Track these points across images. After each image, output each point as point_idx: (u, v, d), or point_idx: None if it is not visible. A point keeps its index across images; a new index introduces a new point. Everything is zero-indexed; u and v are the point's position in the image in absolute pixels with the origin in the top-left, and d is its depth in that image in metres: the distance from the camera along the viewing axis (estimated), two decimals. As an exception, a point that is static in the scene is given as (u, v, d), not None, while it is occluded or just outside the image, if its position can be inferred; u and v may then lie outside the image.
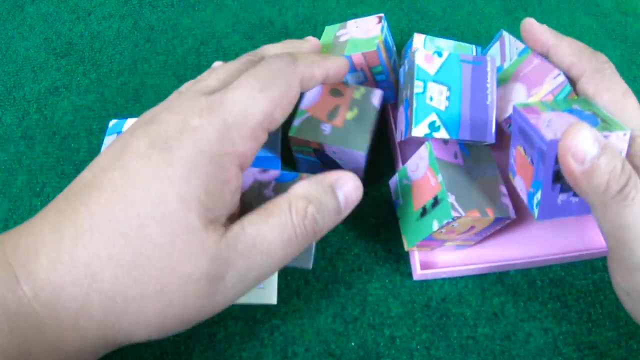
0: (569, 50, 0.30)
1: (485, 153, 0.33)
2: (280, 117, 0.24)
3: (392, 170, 0.40)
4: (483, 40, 0.50)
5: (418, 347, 0.33)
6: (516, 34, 0.53)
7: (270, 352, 0.32)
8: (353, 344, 0.33)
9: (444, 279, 0.35)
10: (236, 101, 0.23)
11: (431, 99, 0.30)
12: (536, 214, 0.27)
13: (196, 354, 0.32)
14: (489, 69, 0.30)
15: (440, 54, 0.31)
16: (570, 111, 0.26)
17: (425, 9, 0.53)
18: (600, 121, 0.25)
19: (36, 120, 0.43)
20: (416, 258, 0.34)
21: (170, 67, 0.47)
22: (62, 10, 0.52)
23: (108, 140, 0.38)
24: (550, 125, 0.25)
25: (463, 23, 0.52)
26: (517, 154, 0.28)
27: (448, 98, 0.30)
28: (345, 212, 0.26)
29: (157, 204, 0.21)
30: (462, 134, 0.30)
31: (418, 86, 0.30)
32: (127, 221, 0.20)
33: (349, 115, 0.34)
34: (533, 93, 0.30)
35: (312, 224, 0.23)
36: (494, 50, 0.38)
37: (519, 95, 0.31)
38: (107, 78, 0.46)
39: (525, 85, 0.31)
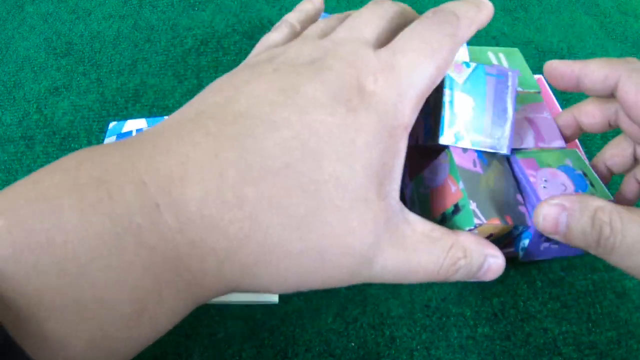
0: (597, 65, 0.29)
1: (502, 162, 0.33)
2: (436, 84, 0.23)
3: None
4: (483, 41, 0.50)
5: (418, 347, 0.33)
6: (516, 34, 0.53)
7: (270, 352, 0.32)
8: (353, 344, 0.33)
9: (444, 279, 0.35)
10: (408, 68, 0.22)
11: (457, 108, 0.31)
12: (520, 255, 0.32)
13: (196, 354, 0.32)
14: (509, 83, 0.31)
15: (468, 65, 0.31)
16: (564, 168, 0.30)
17: (425, 9, 0.53)
18: (589, 185, 0.29)
19: (36, 120, 0.43)
20: None
21: (170, 67, 0.47)
22: (62, 10, 0.52)
23: (108, 142, 0.38)
24: (546, 187, 0.29)
25: (463, 23, 0.52)
26: None
27: (473, 109, 0.31)
28: (471, 279, 0.25)
29: (342, 165, 0.19)
30: (483, 144, 0.31)
31: (447, 95, 0.31)
32: (309, 173, 0.19)
33: None
34: (540, 146, 0.33)
35: (450, 277, 0.23)
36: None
37: (527, 139, 0.33)
38: (107, 78, 0.46)
39: (533, 132, 0.33)
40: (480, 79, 0.31)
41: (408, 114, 0.22)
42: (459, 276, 0.24)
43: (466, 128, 0.31)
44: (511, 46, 0.45)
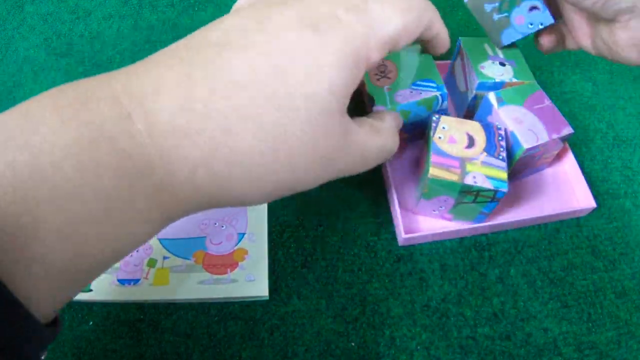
0: None
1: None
2: (401, 45, 0.25)
3: (382, 180, 0.40)
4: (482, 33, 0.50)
5: (418, 347, 0.33)
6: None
7: (270, 352, 0.32)
8: (353, 344, 0.33)
9: (443, 279, 0.35)
10: (380, 11, 0.23)
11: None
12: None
13: (196, 354, 0.32)
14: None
15: None
16: None
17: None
18: None
19: (36, 120, 0.43)
20: (400, 224, 0.36)
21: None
22: (62, 10, 0.52)
23: None
24: None
25: (463, 23, 0.52)
26: None
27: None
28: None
29: (309, 81, 0.21)
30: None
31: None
32: (277, 87, 0.20)
33: None
34: (553, 137, 0.35)
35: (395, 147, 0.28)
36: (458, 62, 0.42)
37: (541, 134, 0.35)
38: (107, 78, 0.46)
39: (543, 124, 0.36)
40: None
41: (374, 50, 0.23)
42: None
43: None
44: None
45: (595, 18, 0.34)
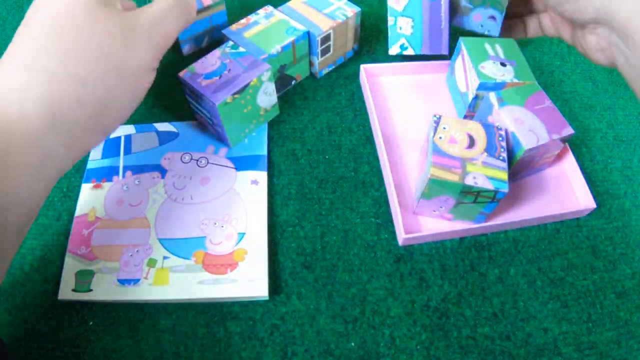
0: None
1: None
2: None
3: (382, 181, 0.40)
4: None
5: (418, 347, 0.33)
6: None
7: (270, 352, 0.32)
8: (353, 344, 0.33)
9: (443, 279, 0.35)
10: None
11: (400, 28, 0.44)
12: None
13: (196, 354, 0.32)
14: (442, 2, 0.42)
15: None
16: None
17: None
18: None
19: (36, 120, 0.43)
20: (400, 224, 0.35)
21: (170, 67, 0.47)
22: (62, 10, 0.52)
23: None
24: None
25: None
26: None
27: (412, 26, 0.44)
28: None
29: (61, 5, 0.26)
30: (423, 50, 0.45)
31: (390, 20, 0.44)
32: (47, 25, 0.25)
33: None
34: (553, 138, 0.35)
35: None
36: (459, 60, 0.43)
37: (542, 134, 0.35)
38: (107, 78, 0.46)
39: (544, 124, 0.36)
40: (416, 5, 0.43)
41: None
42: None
43: (408, 41, 0.44)
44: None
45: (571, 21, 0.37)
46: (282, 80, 0.44)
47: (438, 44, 0.44)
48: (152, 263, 0.34)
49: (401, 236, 0.35)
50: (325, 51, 0.44)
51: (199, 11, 0.45)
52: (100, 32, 0.26)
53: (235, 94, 0.36)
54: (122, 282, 0.34)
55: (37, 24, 0.26)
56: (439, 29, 0.43)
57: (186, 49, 0.48)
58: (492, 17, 0.42)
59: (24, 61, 0.25)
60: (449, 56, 0.46)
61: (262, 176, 0.39)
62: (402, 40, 0.44)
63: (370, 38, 0.51)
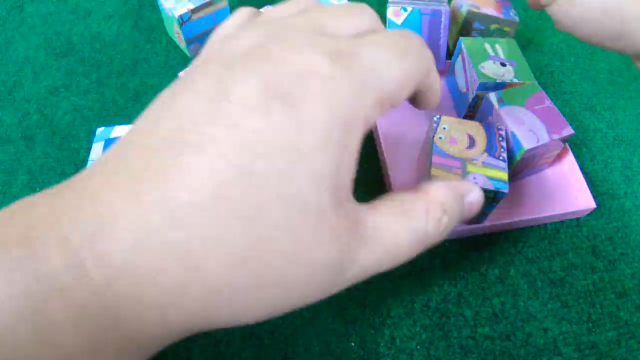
0: None
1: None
2: (400, 99, 0.20)
3: (382, 181, 0.40)
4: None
5: (418, 347, 0.33)
6: (516, 33, 0.53)
7: (270, 352, 0.32)
8: (353, 344, 0.33)
9: (443, 279, 0.35)
10: (373, 58, 0.18)
11: None
12: None
13: (196, 354, 0.32)
14: (442, 19, 0.43)
15: (405, 9, 0.43)
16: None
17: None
18: None
19: (36, 120, 0.43)
20: None
21: (170, 67, 0.47)
22: (62, 10, 0.52)
23: (96, 147, 0.38)
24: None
25: (463, 23, 0.52)
26: None
27: None
28: (463, 220, 0.24)
29: (281, 180, 0.16)
30: None
31: None
32: (243, 197, 0.16)
33: None
34: (553, 138, 0.35)
35: (441, 235, 0.21)
36: (459, 61, 0.43)
37: (542, 135, 0.35)
38: (107, 78, 0.46)
39: (544, 124, 0.36)
40: (416, 19, 0.43)
41: (369, 107, 0.18)
42: (447, 230, 0.22)
43: None
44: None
45: None
46: None
47: (436, 59, 0.44)
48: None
49: (401, 236, 0.35)
50: None
51: (202, 7, 0.45)
52: (324, 250, 0.18)
53: None
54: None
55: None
56: (437, 44, 0.43)
57: (192, 48, 0.48)
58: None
59: None
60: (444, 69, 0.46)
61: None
62: None
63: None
